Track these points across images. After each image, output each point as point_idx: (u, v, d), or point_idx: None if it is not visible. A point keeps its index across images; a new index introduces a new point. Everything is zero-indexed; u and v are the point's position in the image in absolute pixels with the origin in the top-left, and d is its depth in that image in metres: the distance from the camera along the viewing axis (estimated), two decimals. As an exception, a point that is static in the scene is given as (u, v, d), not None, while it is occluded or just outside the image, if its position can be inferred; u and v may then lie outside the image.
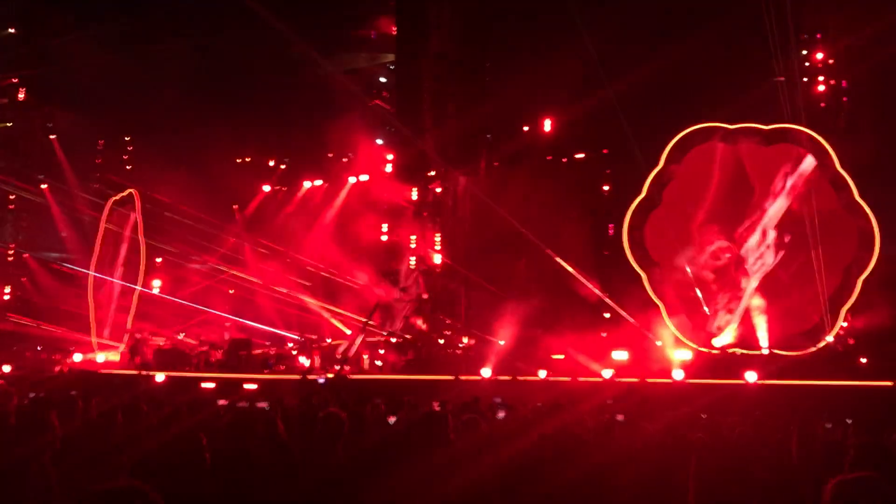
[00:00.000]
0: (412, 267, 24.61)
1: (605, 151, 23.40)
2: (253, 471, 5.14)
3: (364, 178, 27.27)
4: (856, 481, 3.36)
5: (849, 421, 11.19)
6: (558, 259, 22.29)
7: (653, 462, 5.72)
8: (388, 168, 26.64)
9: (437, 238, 24.11)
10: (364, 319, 22.75)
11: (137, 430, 6.44)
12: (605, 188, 23.52)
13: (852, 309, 19.85)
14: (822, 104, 21.15)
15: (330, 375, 19.56)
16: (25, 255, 31.38)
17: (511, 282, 23.28)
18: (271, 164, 29.61)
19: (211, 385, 17.89)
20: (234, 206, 29.30)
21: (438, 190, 24.58)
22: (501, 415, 9.82)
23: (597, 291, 21.98)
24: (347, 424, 5.66)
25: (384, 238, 26.66)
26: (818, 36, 21.12)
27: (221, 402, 10.87)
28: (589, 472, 5.06)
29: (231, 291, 27.20)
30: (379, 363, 22.50)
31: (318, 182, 28.29)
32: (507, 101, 23.55)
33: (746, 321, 21.01)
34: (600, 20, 21.10)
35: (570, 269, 22.18)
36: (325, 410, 5.78)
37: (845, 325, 20.04)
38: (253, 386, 18.13)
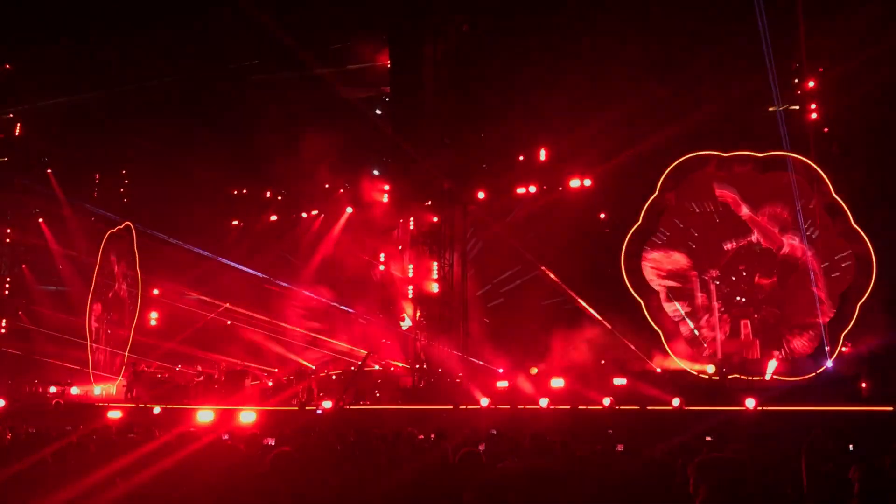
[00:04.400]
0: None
1: (600, 180, 23.42)
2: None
3: (361, 208, 27.33)
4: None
5: (851, 448, 11.10)
6: (560, 282, 22.28)
7: (654, 492, 5.67)
8: (385, 198, 26.71)
9: (435, 266, 24.08)
10: (359, 363, 22.67)
11: (135, 463, 6.38)
12: (602, 216, 23.50)
13: (852, 334, 19.80)
14: (816, 131, 21.21)
15: (328, 405, 19.45)
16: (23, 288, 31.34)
17: (509, 310, 23.29)
18: (268, 195, 29.60)
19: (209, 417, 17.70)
20: (229, 238, 29.28)
21: (435, 219, 24.57)
22: (481, 448, 9.60)
23: (597, 315, 21.94)
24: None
25: (381, 268, 26.71)
26: (810, 64, 21.23)
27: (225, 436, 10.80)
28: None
29: (228, 322, 27.05)
30: (377, 393, 22.41)
31: (315, 213, 28.28)
32: (502, 130, 23.66)
33: (745, 346, 20.99)
34: (596, 49, 21.28)
35: (573, 294, 22.19)
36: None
37: (845, 350, 19.99)
38: (251, 417, 17.92)
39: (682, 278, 21.76)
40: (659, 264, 21.90)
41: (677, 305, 21.58)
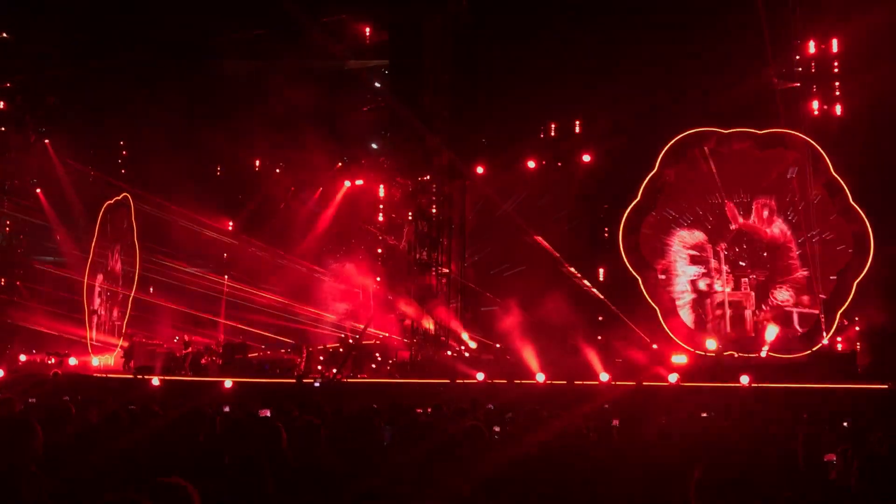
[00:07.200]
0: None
1: (598, 156, 23.35)
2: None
3: (359, 182, 27.21)
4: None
5: (845, 424, 11.17)
6: (559, 256, 22.27)
7: (650, 468, 5.70)
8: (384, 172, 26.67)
9: (434, 239, 24.05)
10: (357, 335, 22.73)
11: (132, 436, 6.40)
12: (601, 192, 23.45)
13: (848, 312, 19.85)
14: (816, 108, 21.11)
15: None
16: (21, 259, 31.31)
17: (509, 285, 23.29)
18: (258, 166, 29.41)
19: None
20: (228, 211, 29.19)
21: (434, 193, 24.49)
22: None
23: (595, 292, 21.99)
24: (324, 431, 5.63)
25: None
26: (812, 40, 21.09)
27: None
28: (587, 479, 5.03)
29: (226, 295, 27.04)
30: (374, 366, 22.50)
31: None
32: (502, 104, 23.53)
33: (743, 324, 21.03)
34: (596, 25, 21.12)
35: (572, 270, 22.22)
36: (301, 419, 5.73)
37: (841, 327, 20.04)
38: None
39: (686, 253, 21.75)
40: (660, 239, 21.89)
41: (687, 272, 21.53)
